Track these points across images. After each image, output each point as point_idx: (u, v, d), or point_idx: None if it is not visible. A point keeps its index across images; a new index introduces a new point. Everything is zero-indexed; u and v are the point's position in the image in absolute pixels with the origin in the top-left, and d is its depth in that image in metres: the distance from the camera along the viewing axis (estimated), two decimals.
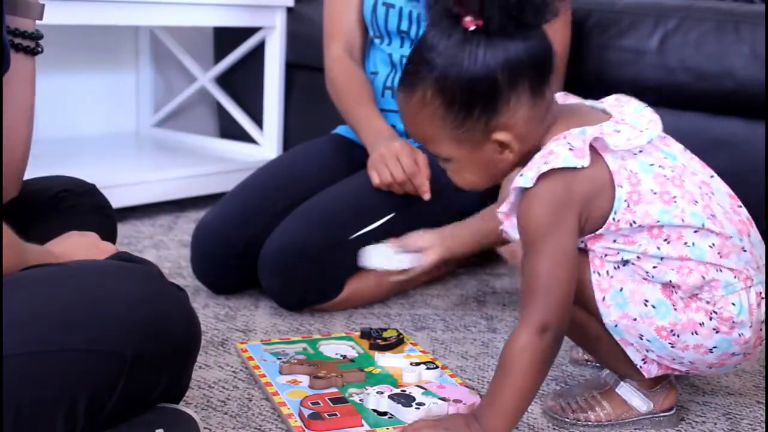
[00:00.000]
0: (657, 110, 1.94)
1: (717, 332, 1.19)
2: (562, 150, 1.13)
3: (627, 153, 1.17)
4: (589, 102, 1.26)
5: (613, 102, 1.24)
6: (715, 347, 1.20)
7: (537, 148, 1.16)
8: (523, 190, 1.14)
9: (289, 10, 2.59)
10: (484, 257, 1.97)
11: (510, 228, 1.20)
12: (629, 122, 1.18)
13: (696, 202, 1.18)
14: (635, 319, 1.19)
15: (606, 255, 1.19)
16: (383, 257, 1.43)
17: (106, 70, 2.86)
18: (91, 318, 0.95)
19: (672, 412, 1.31)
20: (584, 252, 1.20)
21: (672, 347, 1.20)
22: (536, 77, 1.12)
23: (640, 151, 1.18)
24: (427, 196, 1.69)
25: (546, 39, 1.13)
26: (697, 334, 1.18)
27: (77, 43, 2.74)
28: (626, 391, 1.29)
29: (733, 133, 1.88)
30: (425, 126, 1.16)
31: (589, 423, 1.29)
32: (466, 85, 1.10)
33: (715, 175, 1.24)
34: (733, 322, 1.18)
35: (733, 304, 1.18)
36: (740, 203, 1.25)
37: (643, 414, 1.29)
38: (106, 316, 0.96)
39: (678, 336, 1.19)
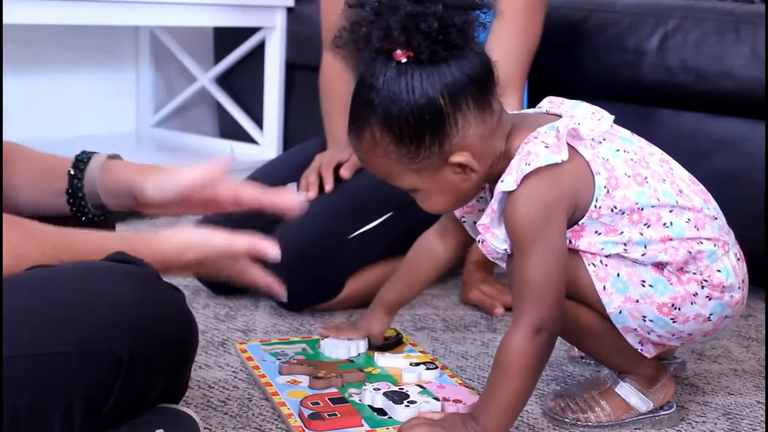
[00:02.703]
0: (657, 110, 1.97)
1: (710, 299, 1.22)
2: (540, 149, 1.14)
3: (593, 142, 1.19)
4: (527, 110, 1.28)
5: (549, 105, 1.26)
6: (712, 314, 1.23)
7: (506, 157, 1.17)
8: (508, 195, 1.15)
9: (289, 10, 2.60)
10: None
11: (492, 239, 1.19)
12: (578, 116, 1.19)
13: (664, 180, 1.21)
14: (637, 301, 1.20)
15: (591, 253, 1.20)
16: (341, 349, 1.46)
17: (106, 70, 2.86)
18: (87, 320, 0.95)
19: (672, 410, 1.31)
20: (573, 249, 1.20)
21: (674, 322, 1.22)
22: (478, 92, 1.13)
23: (604, 139, 1.21)
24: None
25: (482, 52, 1.14)
26: (695, 303, 1.21)
27: (77, 43, 2.74)
28: (625, 390, 1.29)
29: (733, 133, 1.88)
30: (382, 164, 1.17)
31: (589, 423, 1.29)
32: (410, 116, 1.11)
33: (663, 152, 1.28)
34: (723, 286, 1.22)
35: (719, 270, 1.22)
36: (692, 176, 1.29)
37: (642, 414, 1.29)
38: (101, 318, 0.95)
39: (679, 309, 1.21)
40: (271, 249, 1.18)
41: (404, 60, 1.10)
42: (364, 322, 1.48)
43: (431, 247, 1.41)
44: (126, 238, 1.09)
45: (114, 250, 1.05)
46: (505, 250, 1.19)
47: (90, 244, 1.06)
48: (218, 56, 2.83)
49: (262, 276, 1.23)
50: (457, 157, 1.14)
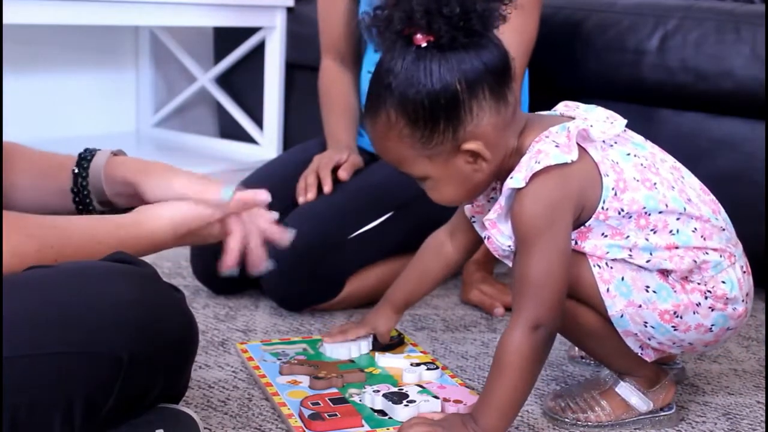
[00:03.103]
0: (657, 110, 1.98)
1: (713, 310, 1.22)
2: (550, 148, 1.14)
3: (605, 144, 1.20)
4: (543, 112, 1.29)
5: (564, 108, 1.27)
6: (713, 325, 1.23)
7: (517, 154, 1.18)
8: (516, 192, 1.16)
9: (289, 10, 2.59)
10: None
11: (497, 235, 1.20)
12: (591, 119, 1.20)
13: (673, 187, 1.21)
14: (640, 306, 1.21)
15: (597, 256, 1.20)
16: (342, 350, 1.46)
17: (106, 70, 2.86)
18: (86, 321, 0.95)
19: (672, 410, 1.31)
20: (578, 251, 1.21)
21: (675, 330, 1.22)
22: (495, 82, 1.14)
23: (615, 143, 1.21)
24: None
25: (499, 44, 1.16)
26: (697, 313, 1.21)
27: (77, 43, 2.74)
28: (626, 390, 1.29)
29: (733, 133, 1.88)
30: (395, 148, 1.17)
31: (589, 423, 1.29)
32: (426, 100, 1.12)
33: (677, 161, 1.28)
34: (727, 298, 1.22)
35: (724, 282, 1.22)
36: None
37: (642, 413, 1.29)
38: (101, 318, 0.95)
39: (681, 317, 1.21)
40: (259, 194, 1.18)
41: (424, 44, 1.11)
42: (371, 318, 1.47)
43: (441, 246, 1.41)
44: (120, 226, 1.09)
45: (108, 244, 1.05)
46: (509, 246, 1.20)
47: (85, 239, 1.05)
48: (218, 56, 2.83)
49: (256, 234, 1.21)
50: (470, 145, 1.15)
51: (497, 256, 1.24)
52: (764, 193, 1.80)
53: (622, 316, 1.21)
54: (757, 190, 1.81)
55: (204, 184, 1.16)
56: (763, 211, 1.79)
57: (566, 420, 1.29)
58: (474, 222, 1.34)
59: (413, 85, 1.12)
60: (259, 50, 2.66)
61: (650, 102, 1.97)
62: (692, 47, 1.88)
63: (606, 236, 1.19)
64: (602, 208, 1.17)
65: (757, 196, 1.81)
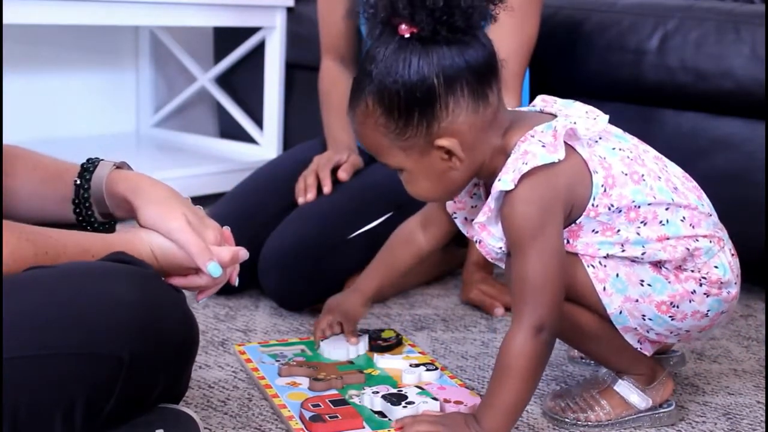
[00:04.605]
0: (657, 110, 1.98)
1: (708, 296, 1.23)
2: (536, 149, 1.14)
3: (590, 141, 1.20)
4: (523, 108, 1.29)
5: (542, 103, 1.27)
6: (709, 310, 1.24)
7: (502, 153, 1.18)
8: (505, 194, 1.15)
9: (289, 10, 2.59)
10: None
11: (488, 238, 1.20)
12: (573, 115, 1.20)
13: (659, 177, 1.22)
14: (637, 300, 1.21)
15: (589, 255, 1.21)
16: (341, 350, 1.47)
17: (106, 70, 2.86)
18: (87, 321, 0.95)
19: (671, 407, 1.31)
20: (571, 251, 1.21)
21: (672, 320, 1.23)
22: (475, 81, 1.14)
23: (600, 138, 1.21)
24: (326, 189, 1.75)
25: (487, 44, 1.15)
26: (693, 301, 1.23)
27: (77, 43, 2.74)
28: (624, 388, 1.29)
29: (733, 133, 1.88)
30: (372, 136, 1.18)
31: (590, 423, 1.29)
32: (402, 90, 1.12)
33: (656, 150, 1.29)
34: (721, 282, 1.23)
35: (716, 266, 1.23)
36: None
37: (642, 411, 1.29)
38: (101, 319, 0.95)
39: (677, 307, 1.22)
40: (241, 252, 1.16)
41: (408, 35, 1.11)
42: (341, 306, 1.49)
43: (412, 236, 1.43)
44: (108, 245, 1.08)
45: (99, 257, 1.05)
46: (501, 248, 1.20)
47: (78, 250, 1.05)
48: (218, 56, 2.83)
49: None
50: (444, 141, 1.15)
51: (490, 259, 1.24)
52: (764, 193, 1.80)
53: (620, 312, 1.22)
54: (757, 190, 1.81)
55: (199, 246, 1.11)
56: (763, 211, 1.79)
57: (566, 420, 1.29)
58: (455, 217, 1.34)
59: (391, 74, 1.12)
60: (259, 50, 2.66)
61: (650, 102, 1.97)
62: (692, 47, 1.88)
63: (597, 233, 1.20)
64: (592, 204, 1.18)
65: (757, 196, 1.81)
